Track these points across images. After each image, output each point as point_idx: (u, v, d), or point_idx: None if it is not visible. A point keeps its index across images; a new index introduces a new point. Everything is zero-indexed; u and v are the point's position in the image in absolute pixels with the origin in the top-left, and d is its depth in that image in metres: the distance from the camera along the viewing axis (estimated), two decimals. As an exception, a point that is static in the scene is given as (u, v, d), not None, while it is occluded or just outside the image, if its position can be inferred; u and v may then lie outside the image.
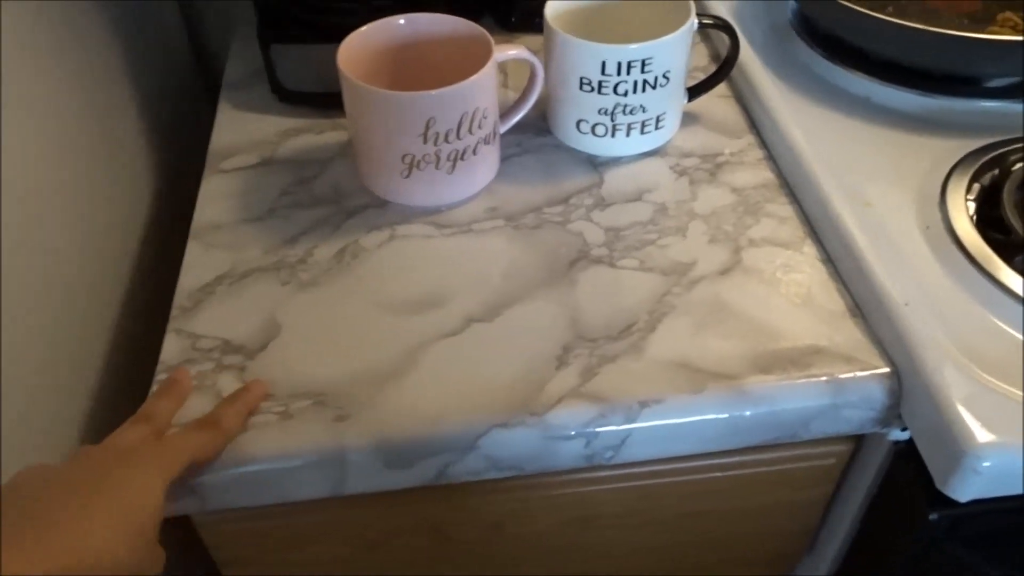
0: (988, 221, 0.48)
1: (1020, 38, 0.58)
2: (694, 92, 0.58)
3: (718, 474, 0.48)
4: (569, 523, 0.50)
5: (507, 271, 0.49)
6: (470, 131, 0.49)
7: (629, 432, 0.42)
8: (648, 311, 0.46)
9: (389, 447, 0.41)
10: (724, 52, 0.58)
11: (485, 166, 0.53)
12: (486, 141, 0.51)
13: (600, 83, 0.52)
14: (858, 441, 0.48)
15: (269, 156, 0.58)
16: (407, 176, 0.51)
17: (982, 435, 0.38)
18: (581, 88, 0.53)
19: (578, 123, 0.55)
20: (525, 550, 0.52)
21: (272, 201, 0.54)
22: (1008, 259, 0.46)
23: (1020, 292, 0.44)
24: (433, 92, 0.47)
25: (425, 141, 0.49)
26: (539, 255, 0.50)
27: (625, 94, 0.52)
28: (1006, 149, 0.52)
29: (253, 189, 0.55)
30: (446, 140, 0.49)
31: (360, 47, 0.51)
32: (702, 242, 0.50)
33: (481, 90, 0.49)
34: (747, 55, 0.61)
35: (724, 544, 0.54)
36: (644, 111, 0.53)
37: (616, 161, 0.56)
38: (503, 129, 0.55)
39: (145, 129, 0.63)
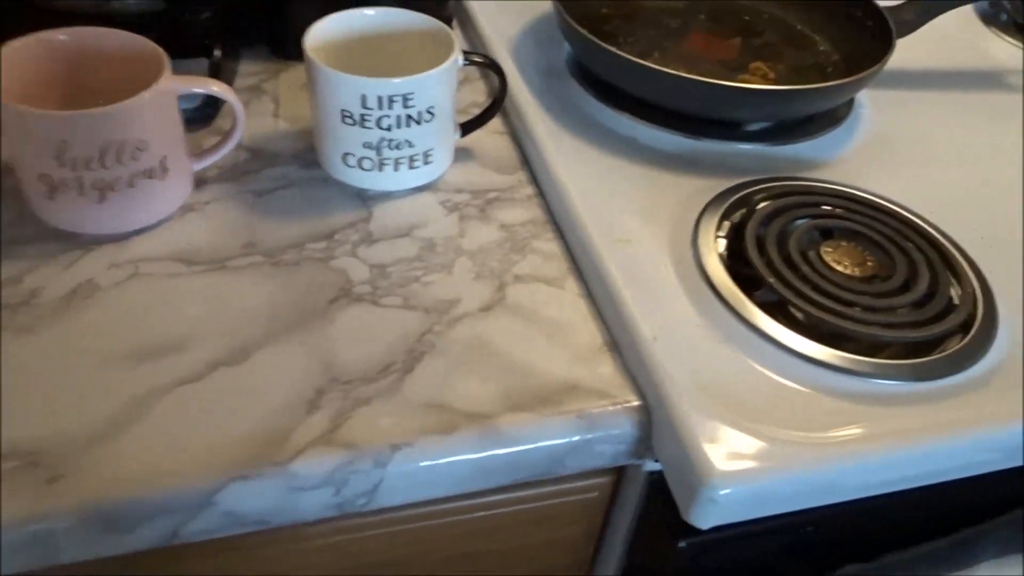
0: (737, 257, 0.51)
1: (767, 87, 0.63)
2: (467, 128, 0.58)
3: (483, 513, 0.47)
4: (330, 577, 0.47)
5: (261, 310, 0.46)
6: (119, 162, 0.46)
7: (381, 477, 0.40)
8: (407, 350, 0.45)
9: (107, 510, 0.37)
10: (497, 90, 0.59)
11: (148, 202, 0.49)
12: (148, 175, 0.48)
13: (362, 116, 0.50)
14: (618, 474, 0.48)
15: (-3, 185, 0.52)
16: (51, 198, 0.47)
17: (719, 465, 0.39)
18: (343, 121, 0.51)
19: (344, 156, 0.53)
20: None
21: (-6, 236, 0.49)
22: (750, 293, 0.48)
23: (760, 326, 0.46)
24: (60, 114, 0.44)
25: (60, 164, 0.45)
26: (297, 293, 0.47)
27: (389, 128, 0.51)
28: (753, 189, 0.56)
29: (-28, 222, 0.49)
30: (88, 167, 0.45)
31: (17, 61, 0.47)
32: (467, 279, 0.50)
33: (128, 121, 0.45)
34: (522, 94, 0.62)
35: (498, 586, 0.53)
36: (411, 146, 0.52)
37: (387, 195, 0.55)
38: (198, 166, 0.52)
39: None
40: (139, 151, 0.46)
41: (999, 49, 0.78)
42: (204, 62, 0.58)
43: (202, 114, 0.57)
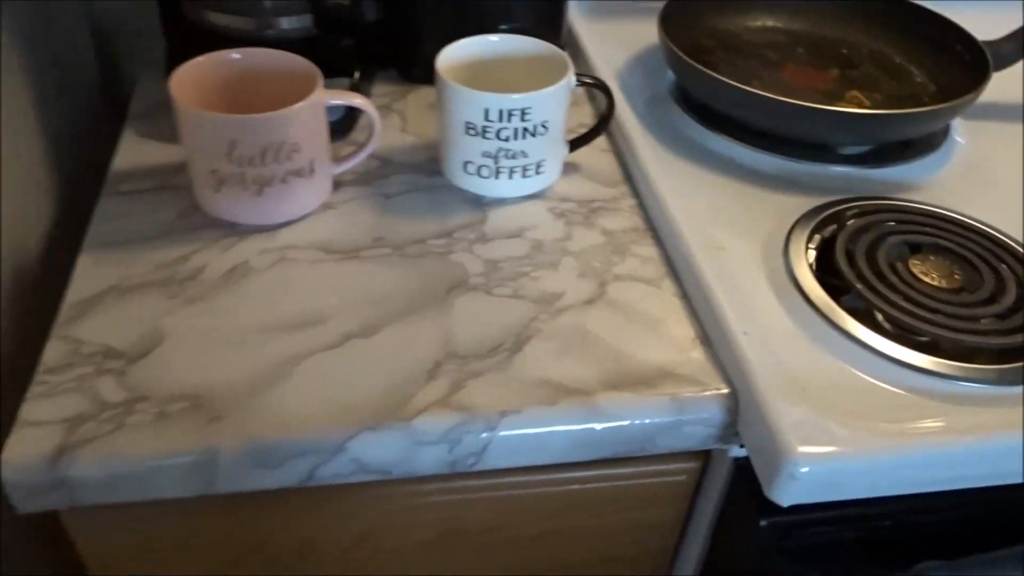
0: (826, 268, 0.54)
1: (862, 111, 0.66)
2: (575, 144, 0.63)
3: (576, 487, 0.51)
4: (433, 540, 0.52)
5: (389, 294, 0.52)
6: (277, 160, 0.53)
7: (490, 440, 0.45)
8: (516, 334, 0.50)
9: (259, 447, 0.43)
10: (606, 111, 0.64)
11: (297, 197, 0.56)
12: (298, 174, 0.54)
13: (484, 128, 0.56)
14: (705, 460, 0.52)
15: (167, 182, 0.60)
16: (217, 191, 0.54)
17: (799, 445, 0.42)
18: (466, 132, 0.57)
19: (464, 164, 0.59)
20: (391, 569, 0.53)
21: (166, 223, 0.57)
22: (838, 298, 0.51)
23: (845, 327, 0.49)
24: (234, 117, 0.51)
25: (230, 161, 0.52)
26: (420, 281, 0.53)
27: (507, 139, 0.57)
28: (845, 206, 0.59)
29: (148, 210, 0.57)
30: (251, 164, 0.52)
31: (198, 76, 0.55)
32: (572, 276, 0.55)
33: (287, 125, 0.52)
34: (627, 116, 0.67)
35: (586, 566, 0.56)
36: (525, 156, 0.58)
37: (500, 202, 0.60)
38: (338, 170, 0.60)
39: (47, 152, 0.64)
40: (293, 152, 0.53)
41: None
42: (345, 82, 0.65)
43: (341, 127, 0.64)
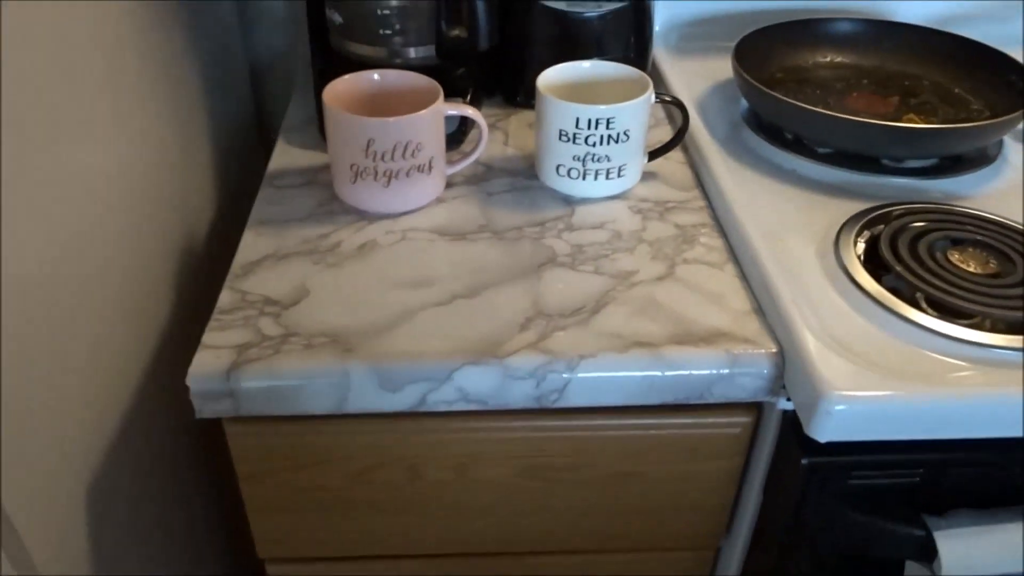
0: (872, 259, 0.61)
1: (913, 125, 0.74)
2: (654, 154, 0.73)
3: (646, 433, 0.59)
4: (521, 472, 0.61)
5: (490, 267, 0.62)
6: (403, 157, 0.64)
7: (570, 379, 0.54)
8: (596, 300, 0.59)
9: (383, 371, 0.54)
10: (681, 127, 0.74)
11: (418, 190, 0.68)
12: (419, 169, 0.66)
13: (574, 135, 0.67)
14: (758, 414, 0.59)
15: (312, 179, 0.73)
16: (353, 183, 0.66)
17: (836, 385, 0.50)
18: (560, 139, 0.68)
19: (557, 167, 0.70)
20: (484, 499, 0.62)
21: (311, 209, 0.69)
22: (880, 279, 0.59)
23: (884, 301, 0.57)
24: (373, 119, 0.63)
25: (366, 156, 0.64)
26: (516, 258, 0.63)
27: (594, 145, 0.67)
28: (893, 208, 0.66)
29: (297, 199, 0.70)
30: (383, 159, 0.64)
31: (344, 90, 0.68)
32: (646, 258, 0.64)
33: (414, 127, 0.64)
34: (702, 135, 0.76)
35: (653, 514, 0.64)
36: (609, 160, 0.68)
37: (586, 200, 0.70)
38: (451, 171, 0.71)
39: (215, 159, 0.79)
40: (417, 150, 0.65)
41: None
42: (459, 101, 0.77)
43: (455, 138, 0.76)
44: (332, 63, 0.77)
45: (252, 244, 0.65)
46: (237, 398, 0.54)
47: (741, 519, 0.65)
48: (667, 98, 0.71)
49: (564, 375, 0.54)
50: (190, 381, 0.54)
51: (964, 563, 0.52)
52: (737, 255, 0.64)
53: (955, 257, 0.60)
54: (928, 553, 0.53)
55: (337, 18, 0.77)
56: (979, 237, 0.62)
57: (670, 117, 0.83)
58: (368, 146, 0.64)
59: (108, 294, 0.57)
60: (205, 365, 0.54)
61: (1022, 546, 0.52)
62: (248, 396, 0.54)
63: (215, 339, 0.56)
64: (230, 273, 0.62)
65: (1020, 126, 0.78)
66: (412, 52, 0.77)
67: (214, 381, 0.54)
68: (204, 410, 0.55)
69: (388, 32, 0.77)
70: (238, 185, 0.85)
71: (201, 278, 0.72)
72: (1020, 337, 0.54)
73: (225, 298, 0.59)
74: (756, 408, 0.59)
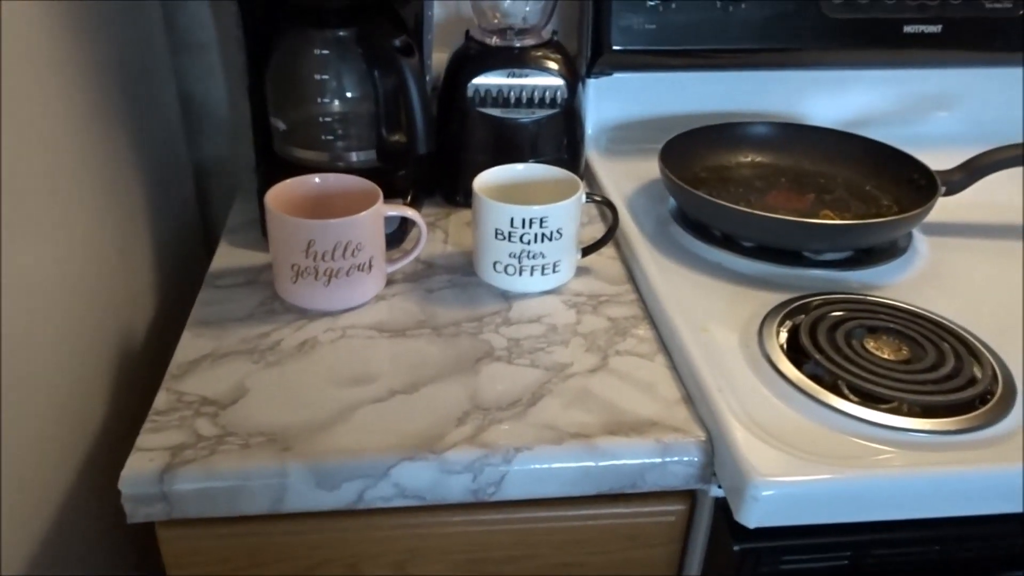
0: (794, 347, 0.64)
1: (828, 221, 0.78)
2: (587, 250, 0.76)
3: (583, 523, 0.60)
4: (461, 567, 0.61)
5: (428, 363, 0.64)
6: (344, 256, 0.67)
7: (507, 471, 0.55)
8: (531, 393, 0.61)
9: (320, 469, 0.54)
10: (611, 224, 0.77)
11: (358, 288, 0.70)
12: (360, 268, 0.68)
13: (510, 233, 0.70)
14: (692, 501, 0.60)
15: (254, 279, 0.74)
16: (294, 282, 0.68)
17: (762, 471, 0.52)
18: (496, 237, 0.70)
19: (494, 264, 0.72)
20: (427, 597, 0.62)
21: (252, 308, 0.70)
22: (801, 367, 0.61)
23: (805, 388, 0.59)
24: (314, 221, 0.65)
25: (307, 256, 0.66)
26: (454, 353, 0.65)
27: (529, 243, 0.70)
28: (814, 298, 0.70)
29: (238, 298, 0.71)
30: (323, 259, 0.66)
31: (285, 193, 0.71)
32: (580, 351, 0.66)
33: (354, 228, 0.66)
34: (632, 232, 0.80)
35: (596, 606, 0.64)
36: (544, 257, 0.71)
37: (523, 296, 0.73)
38: (391, 269, 0.73)
39: (156, 260, 0.79)
40: (358, 250, 0.67)
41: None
42: (400, 202, 0.80)
43: (395, 237, 0.78)
44: (276, 167, 0.80)
45: (191, 344, 0.65)
46: (170, 501, 0.53)
47: (682, 608, 0.65)
48: (597, 198, 0.75)
49: (500, 468, 0.55)
50: (122, 485, 0.53)
51: (894, 645, 0.53)
52: (667, 346, 0.66)
53: (871, 344, 0.63)
54: (860, 636, 0.54)
55: (281, 125, 0.80)
56: (892, 325, 0.66)
57: (602, 215, 0.87)
58: (309, 247, 0.66)
59: (41, 396, 0.57)
60: (138, 468, 0.54)
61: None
62: (181, 499, 0.53)
63: (149, 441, 0.56)
64: (167, 374, 0.62)
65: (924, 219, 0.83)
66: (354, 156, 0.80)
67: (147, 484, 0.53)
68: (136, 514, 0.54)
69: (330, 138, 0.80)
70: (180, 286, 0.85)
71: (140, 380, 0.72)
72: (934, 421, 0.57)
73: (161, 399, 0.59)
74: (690, 495, 0.60)
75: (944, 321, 0.67)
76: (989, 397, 0.59)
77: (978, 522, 0.55)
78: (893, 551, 0.57)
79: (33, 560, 0.56)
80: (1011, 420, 0.57)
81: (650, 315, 0.71)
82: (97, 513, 0.65)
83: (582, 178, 0.90)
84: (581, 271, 0.76)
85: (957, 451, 0.55)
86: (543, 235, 0.70)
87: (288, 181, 0.71)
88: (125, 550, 0.71)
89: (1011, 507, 0.54)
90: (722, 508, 0.57)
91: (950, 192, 0.81)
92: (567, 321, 0.70)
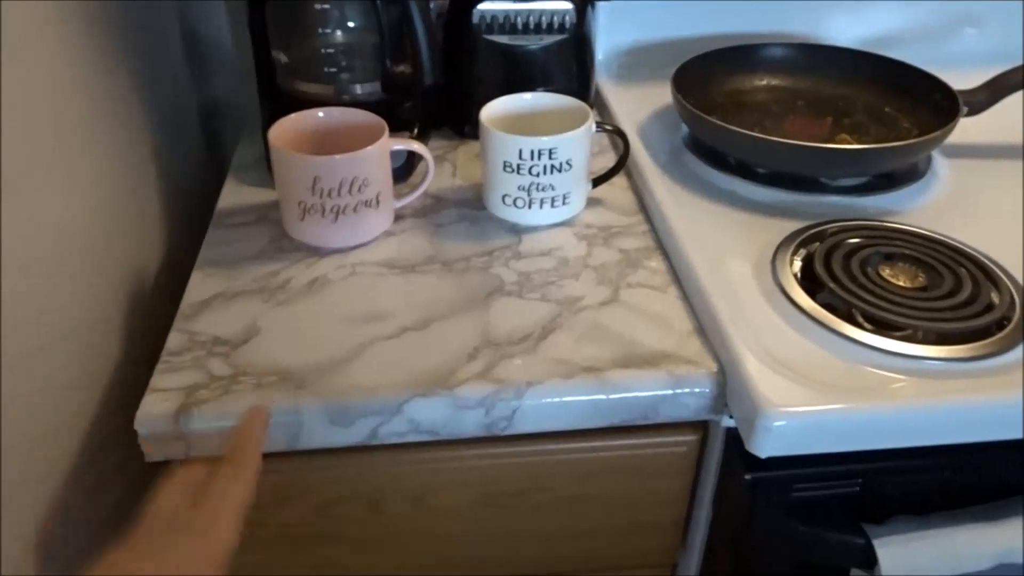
0: (808, 276, 0.63)
1: (840, 146, 0.76)
2: (597, 181, 0.75)
3: (595, 455, 0.60)
4: (476, 500, 0.62)
5: (438, 298, 0.64)
6: (350, 193, 0.65)
7: (518, 406, 0.56)
8: (542, 327, 0.61)
9: (334, 407, 0.54)
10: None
11: (366, 224, 0.69)
12: (367, 204, 0.67)
13: (519, 165, 0.68)
14: (703, 432, 0.61)
15: (262, 216, 0.74)
16: (302, 220, 0.67)
17: (774, 401, 0.51)
18: (505, 170, 0.69)
19: (503, 197, 0.71)
20: (442, 529, 0.63)
21: (261, 247, 0.70)
22: (814, 295, 0.61)
23: (818, 317, 0.59)
24: (319, 157, 0.64)
25: (313, 193, 0.65)
26: (464, 289, 0.65)
27: (537, 175, 0.69)
28: (827, 226, 0.68)
29: (247, 237, 0.71)
30: (330, 196, 0.65)
31: (289, 129, 0.69)
32: (591, 284, 0.65)
33: (359, 164, 0.65)
34: (644, 161, 0.78)
35: (608, 533, 0.65)
36: (554, 189, 0.70)
37: (533, 228, 0.72)
38: (399, 204, 0.72)
39: (166, 200, 0.79)
40: (364, 186, 0.66)
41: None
42: (406, 135, 0.79)
43: (402, 172, 0.77)
44: (280, 102, 0.78)
45: (201, 284, 0.65)
46: (188, 440, 0.54)
47: (694, 534, 0.66)
48: (608, 127, 0.73)
49: (512, 403, 0.55)
50: (138, 425, 0.54)
51: (903, 568, 0.53)
52: (679, 277, 0.66)
53: (886, 272, 0.62)
54: (869, 561, 0.54)
55: (283, 58, 0.78)
56: (908, 251, 0.64)
57: (614, 144, 0.85)
58: (315, 184, 0.65)
59: (58, 339, 0.57)
60: (153, 408, 0.54)
61: (957, 548, 0.53)
62: (199, 438, 0.54)
63: (164, 382, 0.56)
64: (179, 314, 0.62)
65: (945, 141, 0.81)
66: (359, 89, 0.78)
67: (163, 424, 0.54)
68: (155, 454, 0.55)
69: (334, 70, 0.78)
70: (192, 226, 0.85)
71: (154, 320, 0.72)
72: (949, 348, 0.56)
73: (174, 340, 0.60)
74: (702, 426, 0.60)
75: (962, 246, 0.66)
76: (1006, 323, 0.58)
77: (988, 448, 0.55)
78: (904, 478, 0.57)
79: (54, 498, 0.57)
80: (1028, 346, 0.56)
81: (662, 246, 0.70)
82: (119, 453, 0.67)
83: (593, 106, 0.88)
84: (592, 202, 0.75)
85: (971, 379, 0.54)
86: (552, 167, 0.69)
87: (292, 116, 0.70)
88: (144, 489, 0.73)
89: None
90: (734, 438, 0.57)
91: (972, 112, 0.79)
92: (578, 254, 0.69)
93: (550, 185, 0.70)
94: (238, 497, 0.47)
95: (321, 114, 0.71)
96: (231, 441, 0.50)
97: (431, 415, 0.55)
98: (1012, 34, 1.00)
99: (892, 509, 0.57)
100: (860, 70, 0.88)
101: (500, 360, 0.58)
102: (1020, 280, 0.62)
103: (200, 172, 0.94)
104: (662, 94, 0.90)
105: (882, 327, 0.58)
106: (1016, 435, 0.54)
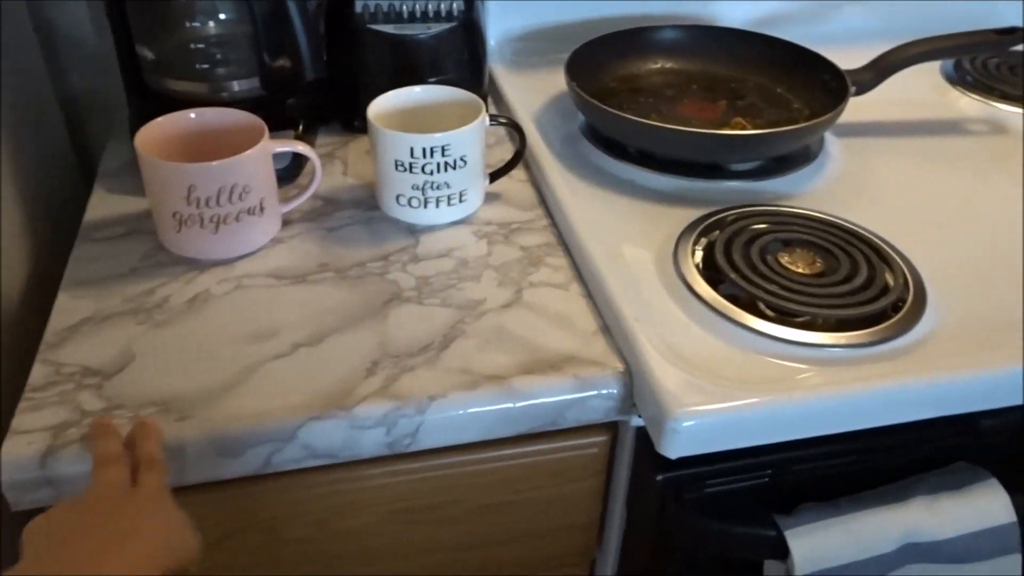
0: (710, 266, 0.63)
1: (735, 132, 0.76)
2: (494, 176, 0.72)
3: (504, 463, 0.58)
4: (385, 519, 0.59)
5: (332, 310, 0.60)
6: (230, 201, 0.61)
7: (421, 422, 0.53)
8: (443, 335, 0.58)
9: (221, 438, 0.50)
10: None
11: (250, 233, 0.64)
12: (250, 212, 0.63)
13: (411, 164, 0.65)
14: (613, 433, 0.59)
15: (135, 228, 0.68)
16: (178, 231, 0.62)
17: (680, 402, 0.50)
18: (397, 169, 0.66)
19: (397, 197, 0.68)
20: (351, 548, 0.60)
21: (135, 262, 0.64)
22: (717, 287, 0.60)
23: (721, 309, 0.58)
24: (191, 165, 0.60)
25: (188, 203, 0.60)
26: (360, 298, 0.61)
27: (431, 173, 0.66)
28: (728, 213, 0.68)
29: (118, 252, 0.65)
30: (207, 205, 0.61)
31: (159, 134, 0.64)
32: (492, 285, 0.63)
33: (238, 170, 0.61)
34: (542, 152, 0.76)
35: (524, 539, 0.63)
36: (448, 187, 0.67)
37: (430, 228, 0.69)
38: (286, 209, 0.68)
39: (24, 210, 0.72)
40: (245, 193, 0.62)
41: (966, 105, 0.90)
42: (291, 134, 0.74)
43: (288, 173, 0.73)
44: (149, 101, 0.73)
45: (68, 307, 0.60)
46: (57, 485, 0.49)
47: (610, 532, 0.65)
48: (502, 120, 0.71)
49: (415, 419, 0.53)
50: (1, 473, 0.49)
51: (815, 557, 0.53)
52: (581, 273, 0.64)
53: (785, 259, 0.62)
54: (782, 551, 0.54)
55: (148, 54, 0.72)
56: (805, 236, 0.65)
57: (511, 135, 0.83)
58: (190, 193, 0.60)
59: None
60: (16, 453, 0.49)
61: (865, 532, 0.54)
62: (69, 482, 0.49)
63: (27, 422, 0.51)
64: (42, 343, 0.57)
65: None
66: (236, 85, 0.73)
67: (28, 470, 0.49)
68: (20, 502, 0.50)
69: (207, 66, 0.73)
70: (57, 240, 0.78)
71: (13, 351, 0.66)
72: (848, 335, 0.56)
73: (38, 373, 0.54)
74: (612, 427, 0.59)
75: (856, 228, 0.66)
76: (901, 304, 0.59)
77: (892, 430, 0.55)
78: (812, 464, 0.57)
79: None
80: (922, 327, 0.57)
81: (563, 241, 0.68)
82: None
83: (486, 96, 0.86)
84: (490, 198, 0.73)
85: (871, 364, 0.54)
86: (446, 164, 0.66)
87: (161, 119, 0.64)
88: (13, 536, 0.67)
89: (925, 413, 0.55)
90: (644, 438, 0.56)
91: (860, 91, 0.80)
92: (478, 253, 0.66)
93: (445, 183, 0.67)
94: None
95: (193, 115, 0.66)
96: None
97: (328, 439, 0.52)
98: (895, 11, 1.02)
99: (803, 496, 0.57)
100: (751, 52, 0.88)
101: (400, 374, 0.55)
102: (910, 259, 0.63)
103: (67, 178, 0.86)
104: (557, 80, 0.88)
105: (784, 315, 0.58)
106: (917, 416, 0.55)
